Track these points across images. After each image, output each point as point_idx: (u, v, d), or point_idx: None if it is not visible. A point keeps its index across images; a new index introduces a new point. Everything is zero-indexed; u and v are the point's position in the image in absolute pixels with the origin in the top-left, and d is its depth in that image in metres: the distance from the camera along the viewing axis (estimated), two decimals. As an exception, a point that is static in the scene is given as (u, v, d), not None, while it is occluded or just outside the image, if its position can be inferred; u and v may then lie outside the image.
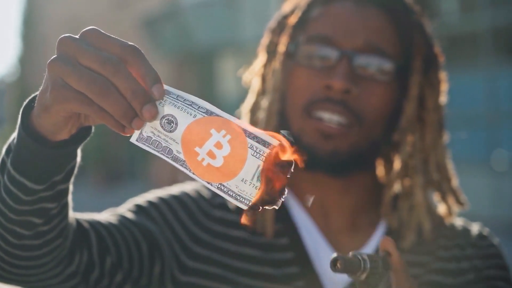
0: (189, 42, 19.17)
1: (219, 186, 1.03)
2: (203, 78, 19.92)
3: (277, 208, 1.03)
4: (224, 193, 1.03)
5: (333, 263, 1.01)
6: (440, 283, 1.59)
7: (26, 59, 29.85)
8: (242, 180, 1.02)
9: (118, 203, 1.63)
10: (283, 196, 1.03)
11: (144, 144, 1.04)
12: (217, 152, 1.01)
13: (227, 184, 1.02)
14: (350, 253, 1.02)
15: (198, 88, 19.85)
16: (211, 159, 1.02)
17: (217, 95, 18.88)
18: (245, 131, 1.02)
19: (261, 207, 1.03)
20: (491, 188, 12.18)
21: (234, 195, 1.03)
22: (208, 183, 1.03)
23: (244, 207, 1.03)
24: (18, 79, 30.13)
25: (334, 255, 1.01)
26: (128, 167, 23.49)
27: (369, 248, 1.62)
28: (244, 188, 1.02)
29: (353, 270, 1.02)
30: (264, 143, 1.02)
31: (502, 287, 1.59)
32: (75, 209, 1.36)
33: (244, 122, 1.04)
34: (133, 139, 1.04)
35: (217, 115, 1.02)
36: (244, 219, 1.58)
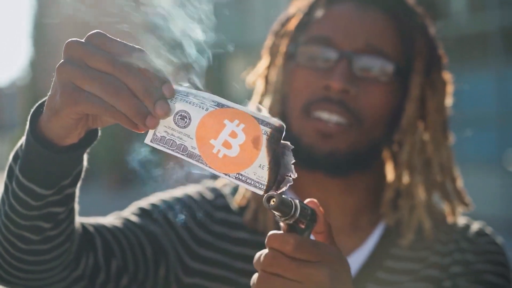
0: (199, 44, 19.13)
1: (237, 176, 1.04)
2: (214, 79, 19.92)
3: (291, 183, 1.05)
4: (243, 182, 1.04)
5: (268, 199, 1.02)
6: (436, 278, 1.60)
7: (37, 63, 29.88)
8: (259, 166, 1.03)
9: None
10: (291, 174, 1.05)
11: (159, 144, 1.05)
12: (233, 141, 1.03)
13: (245, 172, 1.04)
14: (286, 196, 1.04)
15: (209, 89, 19.83)
16: (227, 149, 1.03)
17: (228, 96, 18.84)
18: (257, 119, 1.03)
19: (276, 188, 1.04)
20: (502, 188, 12.14)
21: (252, 182, 1.04)
22: (226, 174, 1.04)
23: (261, 192, 1.04)
24: (29, 82, 30.16)
25: (272, 193, 1.03)
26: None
27: (367, 246, 1.63)
28: (262, 174, 1.03)
29: (285, 212, 1.03)
30: (272, 127, 1.03)
31: (490, 280, 1.58)
32: (89, 212, 1.37)
33: (254, 109, 1.05)
34: (147, 140, 1.06)
35: (229, 107, 1.04)
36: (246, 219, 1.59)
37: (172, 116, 1.04)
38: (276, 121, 1.04)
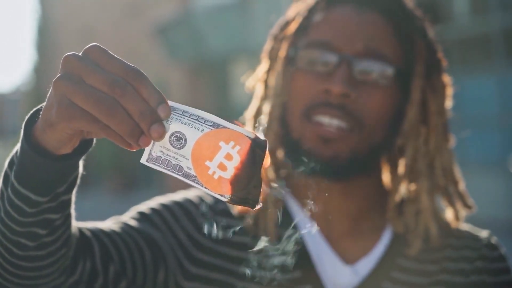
0: (202, 48, 19.19)
1: (232, 196, 1.04)
2: (217, 84, 19.94)
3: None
4: (237, 202, 1.05)
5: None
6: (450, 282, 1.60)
7: (41, 69, 29.93)
8: (254, 187, 1.04)
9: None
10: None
11: (155, 164, 1.06)
12: (228, 163, 1.03)
13: (240, 193, 1.04)
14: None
15: (212, 94, 19.87)
16: (222, 171, 1.04)
17: (231, 101, 18.89)
18: (253, 140, 1.04)
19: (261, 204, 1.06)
20: (506, 190, 12.12)
21: (246, 202, 1.05)
22: (221, 195, 1.05)
23: (252, 208, 1.05)
24: (33, 88, 30.21)
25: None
26: (143, 174, 23.53)
27: (374, 254, 1.63)
28: (255, 193, 1.04)
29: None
30: (258, 145, 1.04)
31: None
32: (91, 217, 1.37)
33: (249, 130, 1.05)
34: (143, 160, 1.06)
35: (224, 127, 1.04)
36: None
37: (168, 136, 1.04)
38: (259, 137, 1.04)
